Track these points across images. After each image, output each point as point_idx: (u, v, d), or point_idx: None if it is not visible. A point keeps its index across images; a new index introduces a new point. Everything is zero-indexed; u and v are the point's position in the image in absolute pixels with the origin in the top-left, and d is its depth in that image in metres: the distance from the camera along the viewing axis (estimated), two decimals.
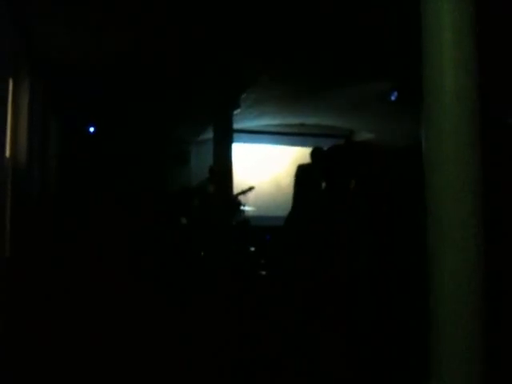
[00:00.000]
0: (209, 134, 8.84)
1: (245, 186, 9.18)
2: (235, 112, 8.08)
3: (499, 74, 5.48)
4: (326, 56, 6.69)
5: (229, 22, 5.70)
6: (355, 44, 6.05)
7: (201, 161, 9.76)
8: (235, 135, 8.32)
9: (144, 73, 7.27)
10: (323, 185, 5.92)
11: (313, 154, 7.04)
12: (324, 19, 5.41)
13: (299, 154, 9.42)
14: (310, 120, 10.69)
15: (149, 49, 6.37)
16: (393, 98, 7.41)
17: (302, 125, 10.99)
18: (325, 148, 5.98)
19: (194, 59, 6.78)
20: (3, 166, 4.80)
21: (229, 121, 8.05)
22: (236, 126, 8.51)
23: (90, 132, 9.45)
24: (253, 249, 8.31)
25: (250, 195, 9.59)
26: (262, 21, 5.62)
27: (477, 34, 2.64)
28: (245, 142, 10.78)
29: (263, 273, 6.99)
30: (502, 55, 5.52)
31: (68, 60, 6.75)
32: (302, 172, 6.96)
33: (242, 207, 9.05)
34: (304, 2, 5.04)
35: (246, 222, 8.77)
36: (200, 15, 5.41)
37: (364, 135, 11.51)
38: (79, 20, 5.49)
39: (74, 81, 7.41)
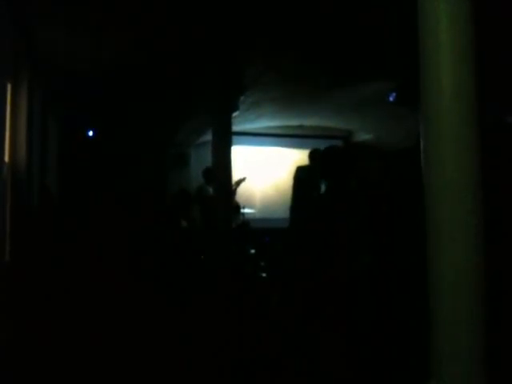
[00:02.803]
0: (208, 137, 8.84)
1: (245, 188, 9.19)
2: (234, 114, 8.09)
3: (498, 74, 5.49)
4: (325, 57, 6.70)
5: (228, 24, 5.71)
6: (354, 45, 6.07)
7: (200, 163, 9.73)
8: (234, 137, 8.32)
9: (143, 74, 7.27)
10: (322, 186, 5.93)
11: (311, 156, 7.05)
12: (323, 20, 5.42)
13: (299, 155, 9.42)
14: (309, 121, 10.70)
15: (149, 49, 6.37)
16: (391, 98, 7.41)
17: (300, 126, 11.01)
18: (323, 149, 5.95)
19: (194, 61, 6.78)
20: (2, 170, 4.80)
21: (228, 123, 8.04)
22: (235, 128, 8.51)
23: (89, 135, 9.44)
24: (253, 251, 8.31)
25: (251, 197, 9.60)
26: (261, 22, 5.63)
27: (475, 33, 2.64)
28: (244, 144, 10.78)
29: (263, 275, 7.00)
30: (500, 55, 5.53)
31: (68, 60, 6.74)
32: (300, 173, 6.97)
33: (241, 209, 9.05)
34: (304, 3, 5.05)
35: (246, 224, 8.76)
36: (200, 15, 5.41)
37: (362, 136, 11.53)
38: (79, 20, 5.49)
39: (73, 81, 7.41)
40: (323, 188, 5.79)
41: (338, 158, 4.28)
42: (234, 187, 8.32)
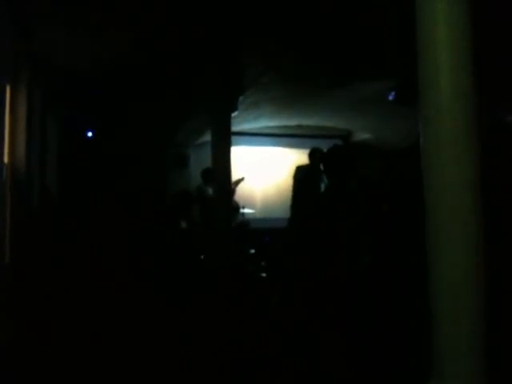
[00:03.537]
0: (208, 137, 8.83)
1: (244, 188, 9.18)
2: (233, 114, 8.07)
3: (497, 73, 5.49)
4: (325, 57, 6.69)
5: (228, 24, 5.71)
6: (354, 44, 6.06)
7: (200, 164, 9.73)
8: (233, 138, 8.30)
9: (143, 74, 7.26)
10: (322, 185, 5.93)
11: (311, 155, 7.05)
12: (323, 19, 5.42)
13: (298, 155, 9.41)
14: (308, 121, 10.69)
15: (149, 49, 6.37)
16: (390, 97, 7.40)
17: (298, 126, 11.00)
18: (323, 149, 5.97)
19: (194, 61, 6.78)
20: (2, 171, 4.80)
21: (227, 123, 8.03)
22: (234, 128, 8.49)
23: (88, 136, 9.44)
24: (253, 251, 8.31)
25: (251, 198, 9.58)
26: (261, 22, 5.62)
27: (473, 32, 2.64)
28: (243, 144, 10.75)
29: (263, 275, 6.99)
30: (499, 54, 5.52)
31: (68, 60, 6.74)
32: (300, 173, 6.96)
33: (241, 209, 9.04)
34: (303, 3, 5.05)
35: (246, 224, 8.75)
36: (200, 15, 5.41)
37: (362, 135, 11.52)
38: (79, 20, 5.49)
39: (73, 81, 7.41)
40: (323, 187, 5.77)
41: (340, 157, 4.28)
42: (232, 187, 8.32)
